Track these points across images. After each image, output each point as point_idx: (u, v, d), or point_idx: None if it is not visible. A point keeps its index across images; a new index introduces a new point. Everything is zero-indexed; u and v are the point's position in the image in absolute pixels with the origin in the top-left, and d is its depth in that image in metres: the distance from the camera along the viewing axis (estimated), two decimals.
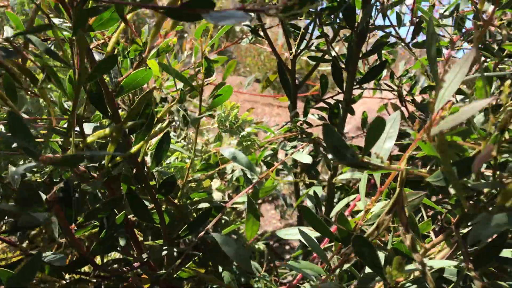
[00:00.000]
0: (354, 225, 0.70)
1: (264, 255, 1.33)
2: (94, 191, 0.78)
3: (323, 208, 1.37)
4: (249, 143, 1.13)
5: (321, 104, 1.45)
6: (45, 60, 0.66)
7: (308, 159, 0.98)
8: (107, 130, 0.69)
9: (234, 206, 1.34)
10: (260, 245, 1.30)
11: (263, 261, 1.34)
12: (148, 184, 0.87)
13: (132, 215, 0.96)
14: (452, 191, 0.59)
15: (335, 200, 1.44)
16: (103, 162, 0.84)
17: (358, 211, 1.02)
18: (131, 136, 0.85)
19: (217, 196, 1.20)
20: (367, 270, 0.72)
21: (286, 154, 1.13)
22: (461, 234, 0.63)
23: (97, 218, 0.68)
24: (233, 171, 1.46)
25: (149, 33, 0.75)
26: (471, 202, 0.58)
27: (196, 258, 1.01)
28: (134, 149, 0.73)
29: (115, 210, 0.84)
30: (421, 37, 1.42)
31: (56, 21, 0.81)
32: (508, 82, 0.49)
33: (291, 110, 1.49)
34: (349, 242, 0.71)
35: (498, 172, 0.54)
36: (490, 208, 0.55)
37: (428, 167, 0.69)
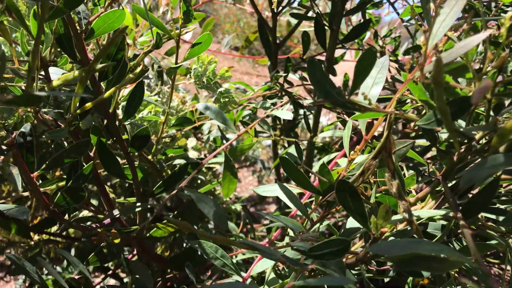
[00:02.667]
0: (336, 176, 0.67)
1: (241, 216, 1.30)
2: (59, 139, 0.72)
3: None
4: (227, 99, 1.08)
5: (302, 64, 1.41)
6: None
7: (288, 115, 0.94)
8: (75, 73, 0.64)
9: (211, 166, 1.31)
10: (237, 206, 1.26)
11: (240, 222, 1.32)
12: (120, 137, 0.82)
13: (103, 170, 0.92)
14: (443, 136, 0.56)
15: (314, 162, 1.41)
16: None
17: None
18: (102, 85, 0.80)
19: (192, 154, 1.16)
20: (348, 225, 0.70)
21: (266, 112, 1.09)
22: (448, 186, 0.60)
23: (63, 164, 0.62)
24: (210, 131, 1.41)
25: None
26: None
27: (170, 215, 0.97)
28: (106, 94, 0.68)
29: (83, 163, 0.79)
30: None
31: None
32: (509, 14, 0.45)
33: (271, 70, 1.45)
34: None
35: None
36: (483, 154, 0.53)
37: (413, 123, 0.66)
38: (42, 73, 0.73)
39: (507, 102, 0.68)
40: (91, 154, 0.82)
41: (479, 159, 0.54)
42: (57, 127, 0.75)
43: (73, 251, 1.27)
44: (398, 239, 0.57)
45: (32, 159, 0.62)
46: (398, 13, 1.32)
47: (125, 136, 0.88)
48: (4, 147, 0.55)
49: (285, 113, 0.95)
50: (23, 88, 0.72)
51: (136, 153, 0.90)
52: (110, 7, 0.75)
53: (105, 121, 0.81)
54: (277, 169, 1.53)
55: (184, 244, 1.12)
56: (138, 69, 0.70)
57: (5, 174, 0.51)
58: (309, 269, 0.52)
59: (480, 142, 0.55)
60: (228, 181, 0.92)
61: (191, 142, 1.19)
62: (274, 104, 1.15)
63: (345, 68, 1.95)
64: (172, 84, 0.88)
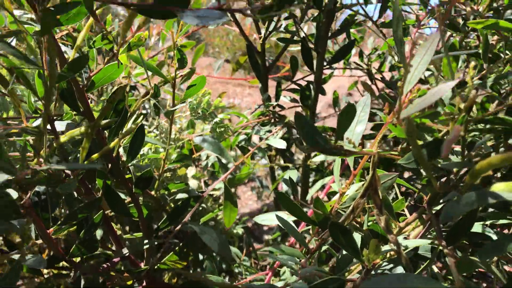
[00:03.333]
0: (330, 208, 0.72)
1: (243, 239, 1.35)
2: (69, 191, 0.77)
3: (299, 189, 1.39)
4: (222, 129, 1.13)
5: (293, 86, 1.46)
6: (11, 60, 0.64)
7: (282, 144, 0.99)
8: (81, 129, 0.69)
9: (211, 192, 1.35)
10: (239, 230, 1.31)
11: (242, 245, 1.36)
12: (124, 179, 0.86)
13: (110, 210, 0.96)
14: (423, 171, 0.60)
15: (310, 181, 1.45)
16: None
17: (334, 192, 1.04)
18: (105, 131, 0.84)
19: (193, 183, 1.21)
20: (345, 251, 0.74)
21: (261, 138, 1.14)
22: (433, 212, 0.65)
23: (76, 220, 0.67)
24: (207, 157, 1.46)
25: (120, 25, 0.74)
26: (442, 180, 0.60)
27: (176, 248, 1.01)
28: (111, 145, 0.73)
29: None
30: (389, 13, 1.44)
31: (17, 12, 0.79)
32: (472, 64, 0.50)
33: (262, 93, 1.50)
34: (326, 225, 0.73)
35: (466, 151, 0.55)
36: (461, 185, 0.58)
37: (400, 146, 0.71)
38: (48, 126, 0.77)
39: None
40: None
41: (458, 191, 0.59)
42: (65, 176, 0.80)
43: (82, 282, 1.31)
44: (387, 273, 0.62)
45: (47, 216, 0.67)
46: (381, 32, 1.37)
47: (128, 175, 0.92)
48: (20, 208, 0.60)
49: (279, 142, 1.00)
50: (31, 143, 0.77)
51: None
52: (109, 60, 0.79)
53: (109, 165, 0.86)
54: (276, 190, 1.57)
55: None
56: (139, 120, 0.74)
57: (26, 237, 0.56)
58: None
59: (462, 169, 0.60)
60: (229, 210, 0.97)
61: (191, 171, 1.23)
62: (269, 131, 1.21)
63: (334, 78, 2.00)
64: (170, 123, 0.93)
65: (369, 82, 1.49)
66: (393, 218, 0.71)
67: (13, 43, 0.87)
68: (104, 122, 0.68)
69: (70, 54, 0.81)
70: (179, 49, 0.82)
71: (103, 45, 0.72)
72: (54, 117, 0.78)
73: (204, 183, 1.36)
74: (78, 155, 0.76)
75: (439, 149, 0.53)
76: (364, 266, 0.57)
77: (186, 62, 0.84)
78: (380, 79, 1.38)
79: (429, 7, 1.10)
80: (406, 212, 0.84)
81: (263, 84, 1.48)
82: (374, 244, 0.54)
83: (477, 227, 0.72)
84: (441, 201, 0.66)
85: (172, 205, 1.05)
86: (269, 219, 0.88)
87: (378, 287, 0.47)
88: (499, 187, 0.49)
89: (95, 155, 0.73)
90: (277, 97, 1.36)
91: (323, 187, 1.10)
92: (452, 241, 0.59)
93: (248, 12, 0.55)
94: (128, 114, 0.82)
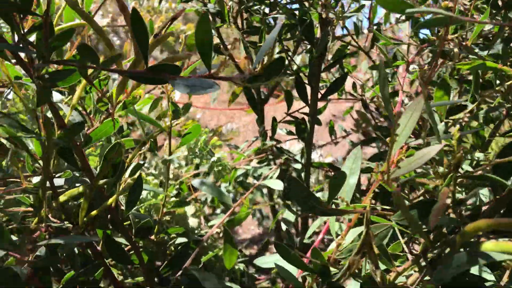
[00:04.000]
0: (327, 257, 0.73)
1: (245, 274, 1.36)
2: (71, 250, 0.78)
3: (299, 220, 1.40)
4: (220, 168, 1.14)
5: (288, 118, 1.48)
6: (9, 130, 0.66)
7: (279, 186, 1.00)
8: (80, 189, 0.70)
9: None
10: (241, 266, 1.32)
11: (245, 280, 1.37)
12: (124, 229, 0.87)
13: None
14: None
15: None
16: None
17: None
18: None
19: (193, 222, 1.22)
20: None
21: (259, 177, 1.15)
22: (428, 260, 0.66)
23: (79, 284, 0.69)
24: None
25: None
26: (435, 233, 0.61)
27: None
28: (109, 201, 0.74)
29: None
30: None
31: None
32: (457, 127, 0.52)
33: (259, 124, 1.51)
34: (324, 274, 0.74)
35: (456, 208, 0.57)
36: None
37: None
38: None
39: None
40: (99, 248, 0.88)
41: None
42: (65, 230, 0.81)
43: None
44: None
45: (48, 278, 0.68)
46: (373, 61, 1.40)
47: (127, 222, 0.94)
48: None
49: (276, 183, 1.01)
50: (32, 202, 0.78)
51: None
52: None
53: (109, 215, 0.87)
54: (277, 225, 1.57)
55: None
56: (136, 175, 0.76)
57: None
58: None
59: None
60: (229, 253, 0.98)
61: (190, 209, 1.25)
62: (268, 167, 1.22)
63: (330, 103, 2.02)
64: (167, 171, 0.94)
65: (363, 110, 1.51)
66: (390, 264, 0.72)
67: (10, 96, 0.90)
68: (102, 181, 0.70)
69: (66, 110, 0.83)
70: (173, 103, 0.84)
71: (99, 106, 0.74)
72: (53, 174, 0.79)
73: (204, 218, 1.37)
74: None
75: (429, 209, 0.54)
76: None
77: (180, 114, 0.86)
78: (374, 108, 1.40)
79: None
80: (405, 247, 0.85)
81: (259, 116, 1.50)
82: None
83: (474, 270, 0.73)
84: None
85: (173, 249, 1.06)
86: (269, 262, 0.90)
87: None
88: (488, 247, 0.50)
89: (94, 212, 0.74)
90: (273, 131, 1.38)
91: (325, 222, 1.10)
92: None
93: (238, 80, 0.57)
94: (125, 166, 0.84)
